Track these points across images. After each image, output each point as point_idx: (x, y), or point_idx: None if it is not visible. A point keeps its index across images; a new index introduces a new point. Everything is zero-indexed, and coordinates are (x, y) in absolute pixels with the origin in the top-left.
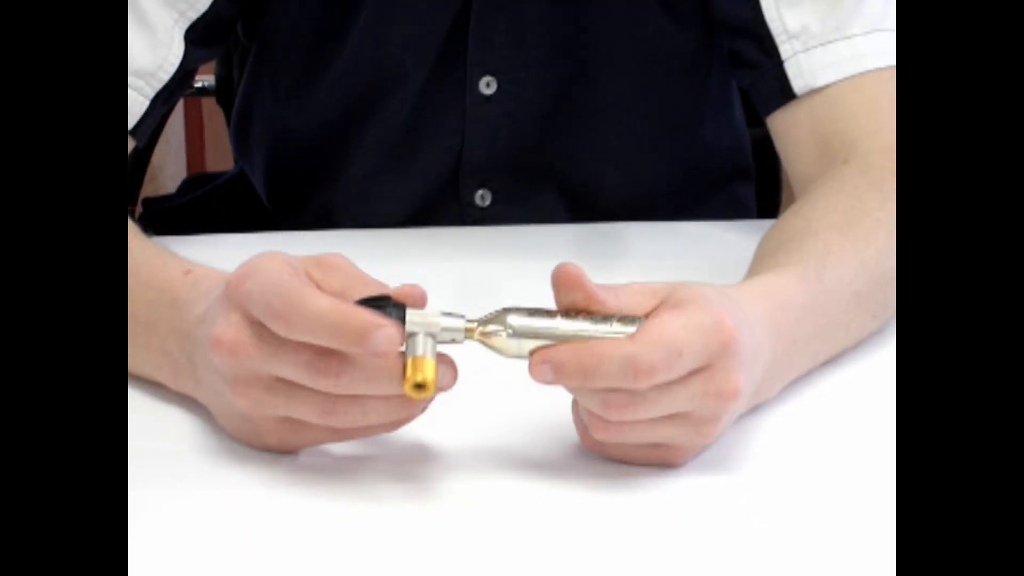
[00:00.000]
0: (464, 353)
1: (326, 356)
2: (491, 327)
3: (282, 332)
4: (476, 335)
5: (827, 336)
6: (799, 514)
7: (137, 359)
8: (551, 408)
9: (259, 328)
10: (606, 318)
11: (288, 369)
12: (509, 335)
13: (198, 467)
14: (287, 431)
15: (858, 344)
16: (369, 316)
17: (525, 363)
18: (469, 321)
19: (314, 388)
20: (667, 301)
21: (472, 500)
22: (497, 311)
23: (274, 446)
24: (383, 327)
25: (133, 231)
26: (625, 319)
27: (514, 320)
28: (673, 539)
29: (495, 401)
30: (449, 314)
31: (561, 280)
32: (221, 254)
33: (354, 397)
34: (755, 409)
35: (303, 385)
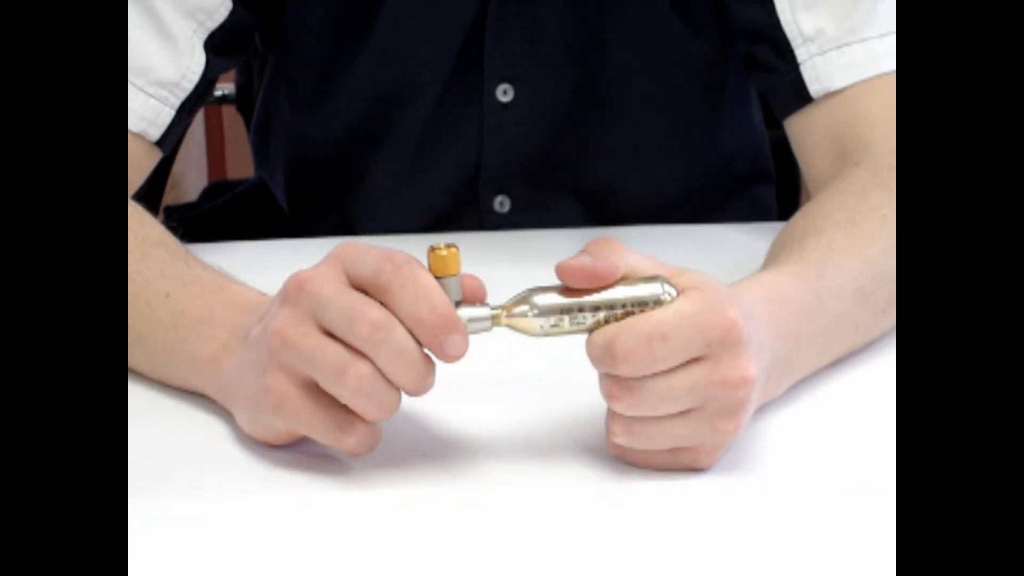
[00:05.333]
0: (485, 350)
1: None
2: (517, 309)
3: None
4: (503, 320)
5: (835, 333)
6: (804, 516)
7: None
8: (564, 406)
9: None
10: (631, 282)
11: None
12: (536, 315)
13: (199, 475)
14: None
15: (871, 342)
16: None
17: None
18: (494, 308)
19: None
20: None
21: (476, 499)
22: (522, 293)
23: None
24: (461, 333)
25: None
26: (650, 279)
27: (540, 299)
28: (677, 540)
29: (510, 399)
30: (471, 306)
31: (570, 277)
32: (242, 262)
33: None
34: (760, 410)
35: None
